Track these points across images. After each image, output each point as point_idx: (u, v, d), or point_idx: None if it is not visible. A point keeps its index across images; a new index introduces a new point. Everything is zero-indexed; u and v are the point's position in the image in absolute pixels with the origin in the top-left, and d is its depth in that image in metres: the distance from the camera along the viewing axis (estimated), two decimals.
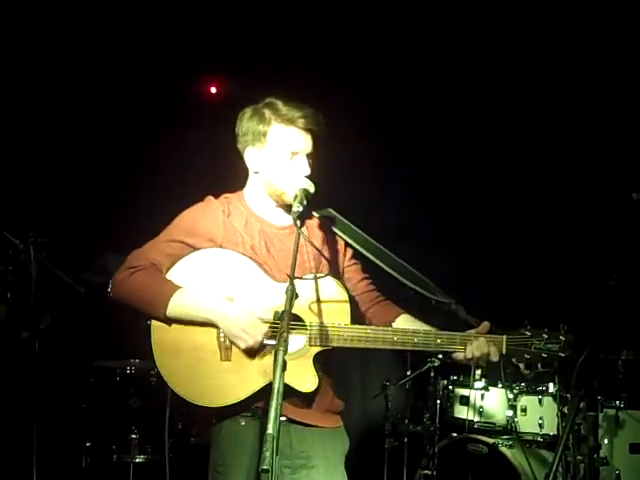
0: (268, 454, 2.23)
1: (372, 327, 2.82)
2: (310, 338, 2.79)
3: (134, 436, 4.78)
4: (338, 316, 2.80)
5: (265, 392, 2.73)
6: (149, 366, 4.90)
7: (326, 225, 3.06)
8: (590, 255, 4.57)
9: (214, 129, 5.68)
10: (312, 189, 2.87)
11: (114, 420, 4.84)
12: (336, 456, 2.95)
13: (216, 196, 3.01)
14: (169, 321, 2.80)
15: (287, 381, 2.67)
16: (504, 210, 5.60)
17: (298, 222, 2.70)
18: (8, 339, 4.10)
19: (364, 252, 3.02)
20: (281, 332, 2.41)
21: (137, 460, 4.81)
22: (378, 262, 3.00)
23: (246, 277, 2.84)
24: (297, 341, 2.79)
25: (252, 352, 2.79)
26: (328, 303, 2.81)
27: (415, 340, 2.79)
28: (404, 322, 2.99)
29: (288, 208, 2.88)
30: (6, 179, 5.13)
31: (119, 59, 5.61)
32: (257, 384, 2.77)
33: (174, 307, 2.77)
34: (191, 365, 2.79)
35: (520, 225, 5.54)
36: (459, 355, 2.82)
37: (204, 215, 2.92)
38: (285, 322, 2.44)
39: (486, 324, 2.83)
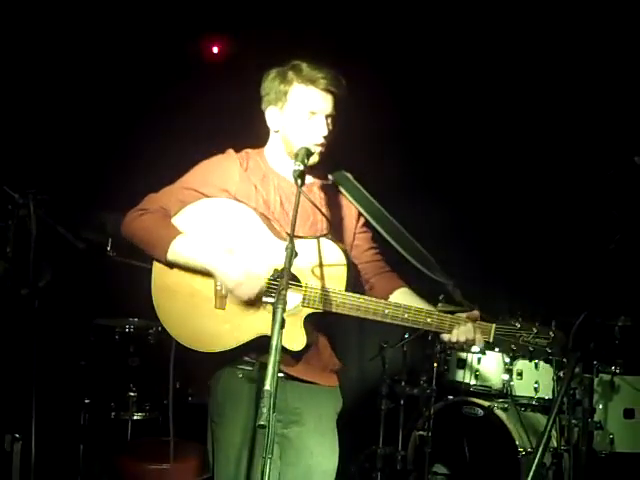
0: (265, 410, 2.28)
1: (365, 297, 2.84)
2: (304, 299, 2.82)
3: (132, 394, 4.81)
4: (335, 281, 2.83)
5: (254, 344, 2.81)
6: (148, 325, 4.94)
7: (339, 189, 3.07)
8: (592, 218, 4.57)
9: (216, 88, 5.68)
10: (314, 149, 2.90)
11: (113, 378, 4.86)
12: (329, 415, 3.02)
13: (237, 150, 3.04)
14: (170, 265, 2.88)
15: None
16: (507, 172, 5.59)
17: (299, 181, 2.71)
18: (7, 296, 4.09)
19: (369, 219, 3.03)
20: (280, 290, 2.43)
21: (135, 417, 4.83)
22: (382, 232, 3.01)
23: (248, 231, 2.87)
24: (292, 299, 2.81)
25: (246, 304, 2.82)
26: (326, 266, 2.83)
27: (405, 316, 2.82)
28: (401, 296, 3.01)
29: (310, 168, 2.92)
30: (7, 135, 5.11)
31: (121, 16, 5.56)
32: (247, 335, 2.82)
33: (174, 252, 2.85)
34: (186, 309, 2.87)
35: (522, 188, 5.52)
36: (445, 336, 2.84)
37: (220, 166, 2.97)
38: (284, 280, 2.46)
39: (476, 312, 2.84)
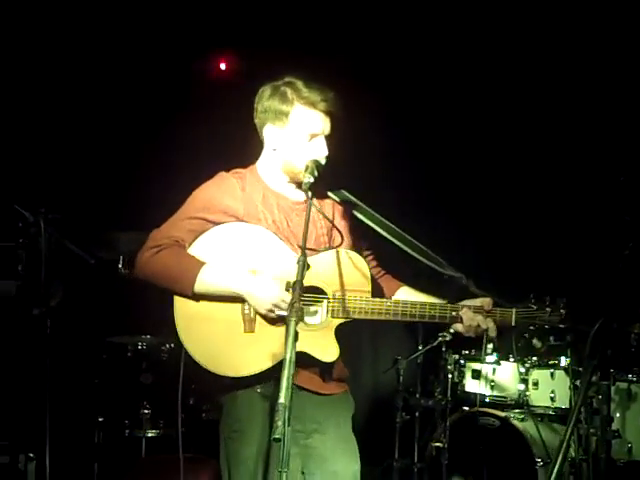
0: (280, 423, 2.26)
1: (391, 301, 2.93)
2: (332, 310, 2.85)
3: (146, 411, 4.80)
4: (359, 288, 2.87)
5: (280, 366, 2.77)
6: (161, 342, 4.93)
7: (340, 205, 3.08)
8: (605, 225, 4.54)
9: (224, 105, 5.70)
10: (323, 161, 2.92)
11: (126, 395, 4.86)
12: (346, 421, 3.04)
13: (226, 171, 3.02)
14: (196, 296, 2.85)
15: (310, 352, 2.82)
16: (518, 180, 5.58)
17: (309, 193, 2.74)
18: (19, 316, 4.08)
19: (380, 231, 3.05)
20: (292, 302, 2.44)
21: (149, 435, 4.83)
22: (394, 240, 3.03)
23: (270, 250, 2.88)
24: (321, 313, 2.87)
25: (275, 323, 2.83)
26: (349, 276, 2.87)
27: (432, 313, 2.90)
28: (405, 294, 3.13)
29: (301, 185, 2.92)
30: (19, 154, 5.14)
31: (130, 35, 5.59)
32: (278, 357, 2.77)
33: (201, 284, 2.83)
34: (214, 337, 2.86)
35: (536, 196, 5.51)
36: (457, 326, 2.95)
37: (221, 191, 2.94)
38: (297, 292, 2.46)
39: (486, 299, 2.93)
